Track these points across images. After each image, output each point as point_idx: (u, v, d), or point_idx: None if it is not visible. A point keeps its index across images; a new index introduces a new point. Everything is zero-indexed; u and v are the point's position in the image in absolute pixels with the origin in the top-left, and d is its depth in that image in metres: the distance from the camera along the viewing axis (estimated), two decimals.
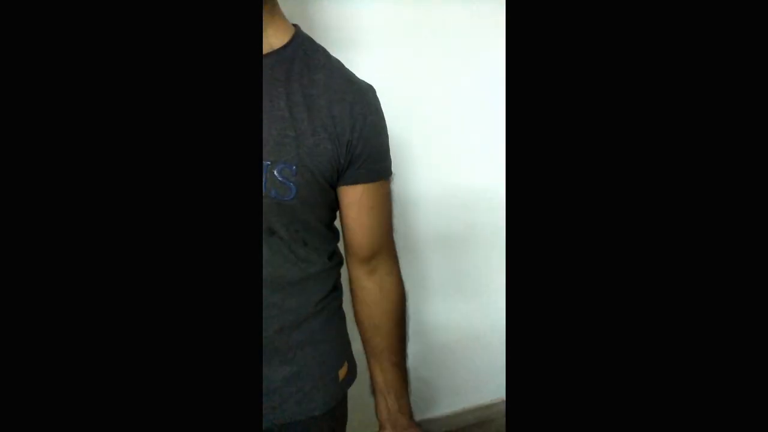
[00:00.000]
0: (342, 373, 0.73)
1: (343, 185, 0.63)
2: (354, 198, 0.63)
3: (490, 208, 1.34)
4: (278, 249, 0.61)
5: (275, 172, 0.56)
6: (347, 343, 0.76)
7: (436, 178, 1.28)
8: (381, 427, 0.71)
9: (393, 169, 0.68)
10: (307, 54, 0.61)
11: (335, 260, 0.71)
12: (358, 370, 0.77)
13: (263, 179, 0.56)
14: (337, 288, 0.73)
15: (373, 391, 0.72)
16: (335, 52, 0.65)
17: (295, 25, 0.63)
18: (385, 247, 0.69)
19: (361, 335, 0.72)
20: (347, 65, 0.65)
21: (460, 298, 1.45)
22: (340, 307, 0.74)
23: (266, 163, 0.56)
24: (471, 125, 1.26)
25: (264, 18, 0.56)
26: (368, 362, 0.72)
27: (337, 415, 0.74)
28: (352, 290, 0.71)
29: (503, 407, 1.65)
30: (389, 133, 0.66)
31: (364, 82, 0.64)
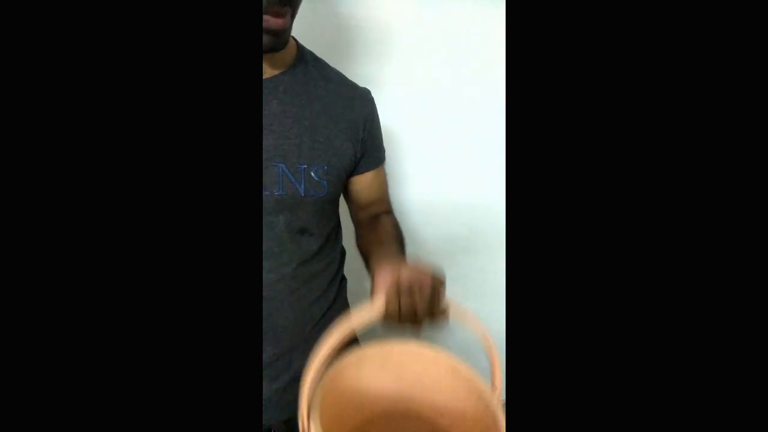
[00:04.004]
0: None
1: (357, 174, 0.74)
2: (366, 183, 0.75)
3: (491, 214, 1.36)
4: (309, 246, 0.70)
5: (312, 173, 0.66)
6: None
7: (438, 185, 1.30)
8: (375, 270, 0.58)
9: (396, 177, 0.80)
10: (315, 67, 0.70)
11: (343, 253, 0.81)
12: None
13: (302, 182, 0.65)
14: (344, 277, 0.82)
15: (369, 260, 0.67)
16: (337, 55, 0.74)
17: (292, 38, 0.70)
18: (385, 201, 0.81)
19: (363, 249, 0.74)
20: (349, 70, 0.76)
21: (462, 302, 1.47)
22: (346, 296, 0.83)
23: (303, 166, 0.65)
24: (472, 131, 1.27)
25: None
26: (367, 253, 0.71)
27: None
28: (357, 232, 0.78)
29: None
30: (391, 136, 0.79)
31: (360, 86, 0.75)
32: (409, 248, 0.78)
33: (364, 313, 0.51)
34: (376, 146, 0.75)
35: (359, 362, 0.56)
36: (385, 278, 0.54)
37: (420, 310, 0.50)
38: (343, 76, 0.74)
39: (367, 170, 0.74)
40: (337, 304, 0.77)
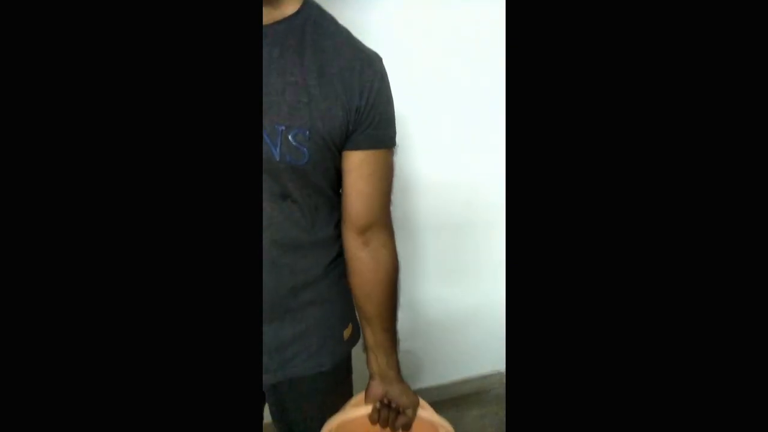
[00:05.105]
0: (347, 333, 0.78)
1: (345, 150, 0.63)
2: (354, 164, 0.64)
3: (484, 195, 1.37)
4: (291, 213, 0.64)
5: (290, 137, 0.58)
6: (351, 307, 0.79)
7: (435, 166, 1.31)
8: (371, 377, 0.76)
9: (402, 157, 0.72)
10: (318, 21, 0.62)
11: (340, 228, 0.74)
12: None
13: (278, 145, 0.58)
14: (341, 254, 0.76)
15: (365, 349, 0.76)
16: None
17: None
18: (381, 219, 0.69)
19: (354, 301, 0.75)
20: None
21: (456, 278, 1.49)
22: (343, 272, 0.77)
23: (281, 127, 0.57)
24: (472, 114, 1.28)
25: None
26: (360, 324, 0.76)
27: (342, 371, 0.80)
28: (346, 259, 0.72)
29: (499, 378, 1.71)
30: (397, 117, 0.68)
31: (371, 50, 0.64)
32: (406, 227, 0.76)
33: (359, 411, 0.74)
34: (377, 123, 0.62)
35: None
36: (375, 394, 0.75)
37: (393, 428, 0.75)
38: (352, 36, 0.64)
39: (359, 149, 0.63)
40: (329, 279, 0.73)
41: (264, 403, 0.85)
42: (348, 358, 0.81)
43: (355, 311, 0.80)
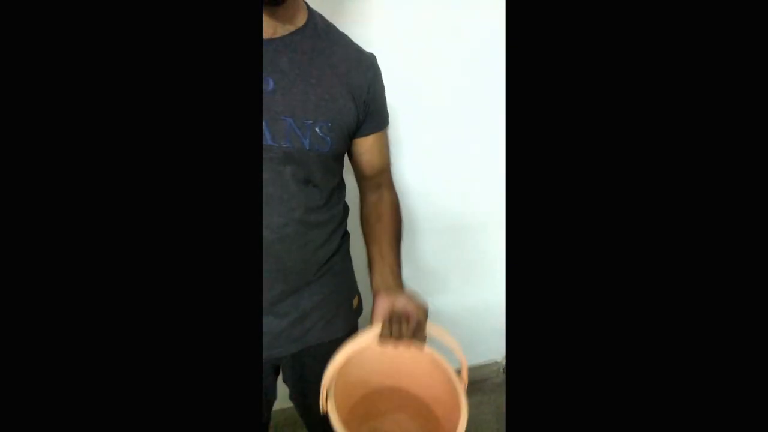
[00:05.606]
0: (355, 302, 0.90)
1: (360, 137, 0.80)
2: (368, 146, 0.81)
3: (483, 197, 1.43)
4: (313, 195, 0.76)
5: (316, 129, 0.70)
6: (355, 279, 0.92)
7: (434, 168, 1.35)
8: (375, 293, 0.79)
9: (398, 160, 0.84)
10: (324, 29, 0.74)
11: (346, 208, 0.89)
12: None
13: (308, 137, 0.70)
14: (347, 231, 0.89)
15: (370, 269, 0.83)
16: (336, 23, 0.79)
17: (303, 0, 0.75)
18: (386, 173, 0.88)
19: (364, 231, 0.87)
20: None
21: (454, 275, 1.56)
22: (348, 248, 0.90)
23: (309, 122, 0.69)
24: (471, 108, 1.30)
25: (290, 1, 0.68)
26: (368, 248, 0.85)
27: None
28: (361, 203, 0.88)
29: (496, 368, 1.77)
30: (393, 116, 0.85)
31: (367, 51, 0.79)
32: (410, 224, 0.84)
33: (366, 335, 0.73)
34: (379, 111, 0.79)
35: (363, 352, 0.74)
36: (382, 308, 0.75)
37: (405, 336, 0.73)
38: (350, 39, 0.78)
39: (369, 134, 0.79)
40: (340, 253, 0.85)
41: (271, 383, 0.92)
42: (356, 330, 0.89)
43: (357, 284, 0.92)
